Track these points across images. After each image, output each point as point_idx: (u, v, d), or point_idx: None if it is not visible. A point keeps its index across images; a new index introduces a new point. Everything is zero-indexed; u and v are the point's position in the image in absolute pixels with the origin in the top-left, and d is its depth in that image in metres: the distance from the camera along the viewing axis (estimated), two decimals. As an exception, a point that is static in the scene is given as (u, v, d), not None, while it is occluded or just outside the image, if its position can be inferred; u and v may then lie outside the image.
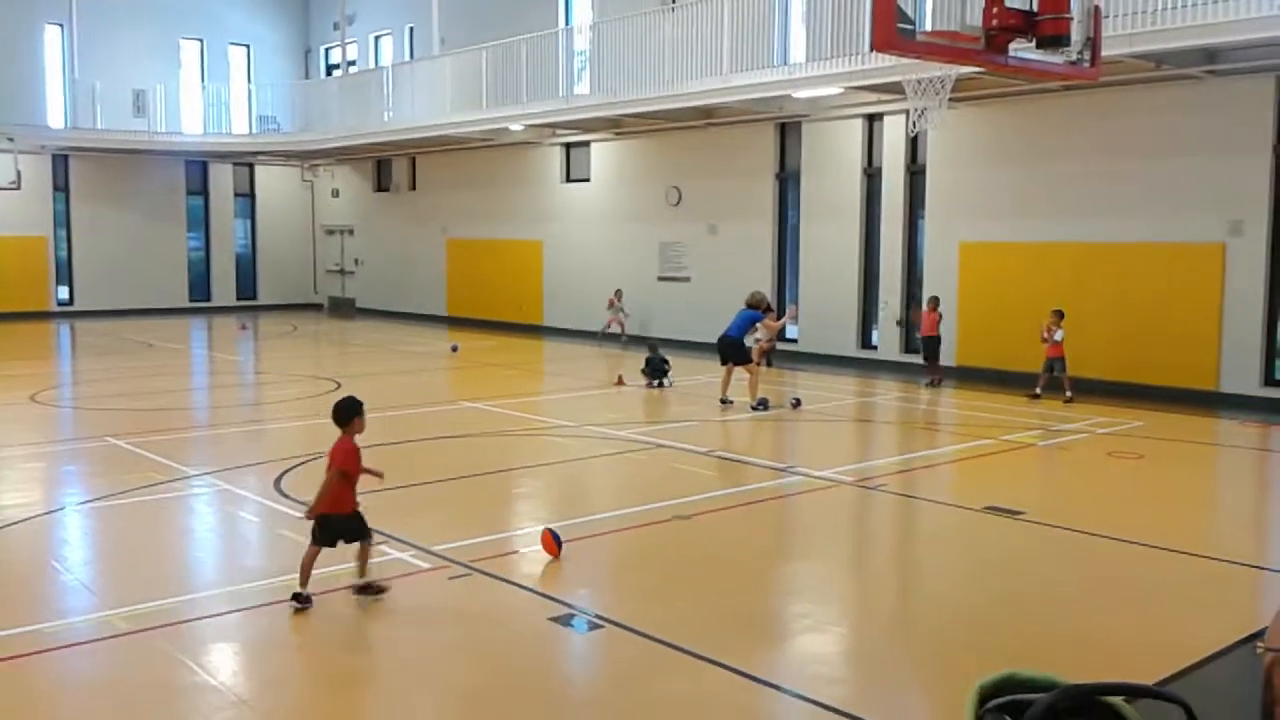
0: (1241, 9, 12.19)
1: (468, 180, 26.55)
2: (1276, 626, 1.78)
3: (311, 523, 6.43)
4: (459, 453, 11.28)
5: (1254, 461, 11.77)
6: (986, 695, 1.92)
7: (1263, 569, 7.58)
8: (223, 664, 5.68)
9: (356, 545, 6.42)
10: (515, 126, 22.20)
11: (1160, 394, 14.42)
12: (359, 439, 6.60)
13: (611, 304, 21.72)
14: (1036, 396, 14.57)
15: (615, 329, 21.53)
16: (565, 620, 6.13)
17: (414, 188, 28.77)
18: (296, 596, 6.20)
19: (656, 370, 15.87)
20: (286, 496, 8.97)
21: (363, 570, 6.40)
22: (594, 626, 6.12)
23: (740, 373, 14.10)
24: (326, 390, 15.59)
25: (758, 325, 14.90)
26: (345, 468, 6.34)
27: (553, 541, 7.25)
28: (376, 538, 6.76)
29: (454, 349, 20.86)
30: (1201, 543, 7.94)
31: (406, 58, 28.01)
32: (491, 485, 9.76)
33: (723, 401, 13.97)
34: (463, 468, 10.27)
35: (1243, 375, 14.19)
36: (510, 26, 22.38)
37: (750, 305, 14.54)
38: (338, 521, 6.31)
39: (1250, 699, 1.82)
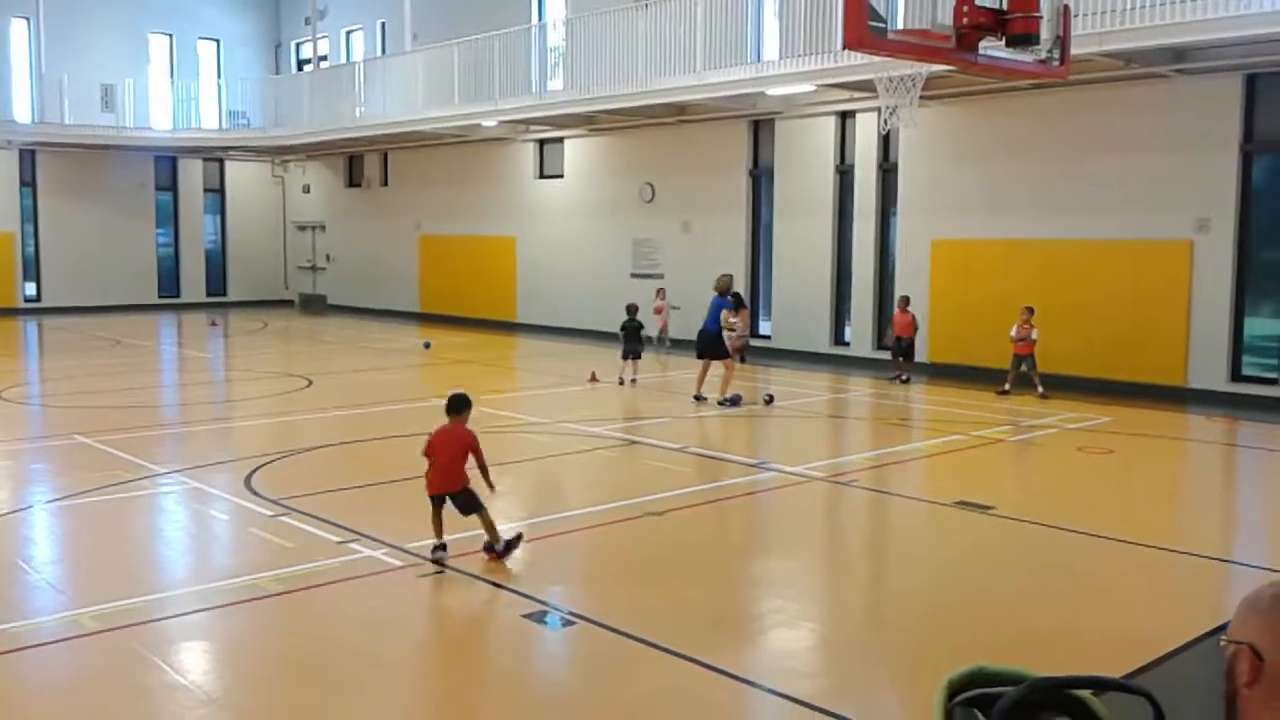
0: (1209, 9, 12.31)
1: (441, 176, 26.45)
2: (1238, 619, 1.79)
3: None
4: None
5: (1221, 456, 11.91)
6: (956, 689, 1.92)
7: (1229, 562, 7.67)
8: (192, 663, 5.63)
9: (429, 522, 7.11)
10: (488, 122, 22.13)
11: (1129, 390, 14.56)
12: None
13: (659, 309, 19.68)
14: (1005, 392, 14.68)
15: (662, 333, 19.62)
16: (538, 617, 6.13)
17: (386, 184, 28.63)
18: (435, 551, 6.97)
19: (630, 335, 15.73)
20: (256, 494, 8.90)
21: (491, 534, 7.08)
22: (567, 623, 6.12)
23: (716, 368, 14.11)
24: (297, 387, 15.51)
25: (728, 317, 14.81)
26: (475, 449, 7.18)
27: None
28: (346, 535, 6.74)
29: (427, 346, 20.77)
30: (1169, 537, 8.03)
31: (378, 53, 27.85)
32: (464, 482, 9.71)
33: (696, 398, 13.97)
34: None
35: (1210, 371, 14.35)
36: (483, 22, 22.30)
37: (719, 291, 14.51)
38: (453, 498, 7.08)
39: (1216, 691, 1.84)
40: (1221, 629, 1.83)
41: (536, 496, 9.54)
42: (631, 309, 16.31)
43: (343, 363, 19.01)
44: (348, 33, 29.67)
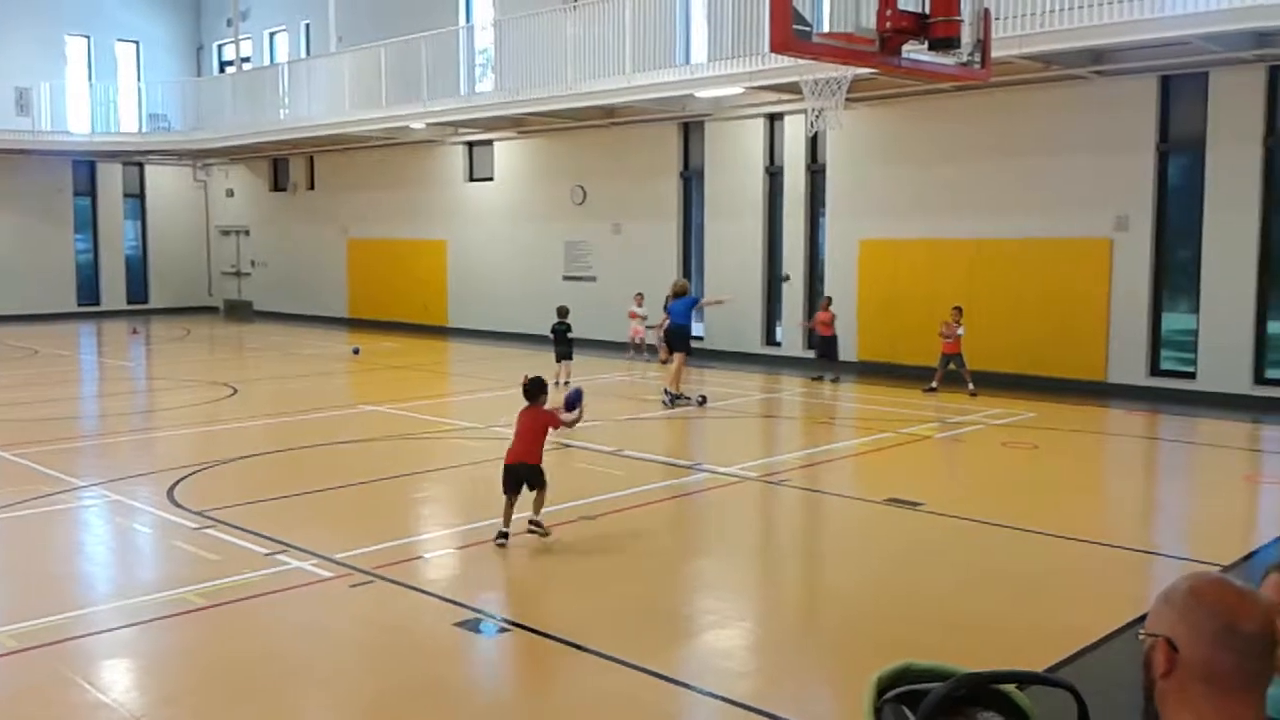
0: (1125, 12, 12.63)
1: (369, 179, 26.13)
2: (1155, 612, 1.83)
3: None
4: (360, 458, 11.08)
5: (1141, 449, 12.21)
6: (884, 686, 1.93)
7: (1150, 553, 7.86)
8: (115, 681, 5.49)
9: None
10: (416, 125, 21.91)
11: (1052, 385, 14.87)
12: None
13: (633, 315, 18.90)
14: (933, 390, 14.90)
15: (640, 340, 18.91)
16: (471, 625, 6.07)
17: (312, 187, 28.22)
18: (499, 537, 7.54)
19: (560, 339, 15.71)
20: (180, 506, 8.70)
21: (538, 510, 7.73)
22: (500, 630, 6.07)
23: (674, 360, 14.20)
24: (222, 396, 15.21)
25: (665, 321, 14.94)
26: (555, 424, 7.91)
27: None
28: (273, 547, 6.63)
29: (355, 351, 20.51)
30: (1093, 530, 8.20)
31: (303, 55, 27.44)
32: (394, 490, 9.60)
33: (678, 397, 14.04)
34: (364, 473, 10.10)
35: (1129, 366, 14.72)
36: (410, 23, 22.08)
37: (677, 294, 14.62)
38: (527, 469, 7.68)
39: (1138, 682, 1.88)
40: (1142, 620, 1.87)
41: (469, 503, 9.45)
42: (561, 311, 16.26)
43: (269, 370, 18.69)
44: (271, 34, 29.17)
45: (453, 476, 10.32)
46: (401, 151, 24.70)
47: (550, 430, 7.92)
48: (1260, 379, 13.87)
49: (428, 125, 21.89)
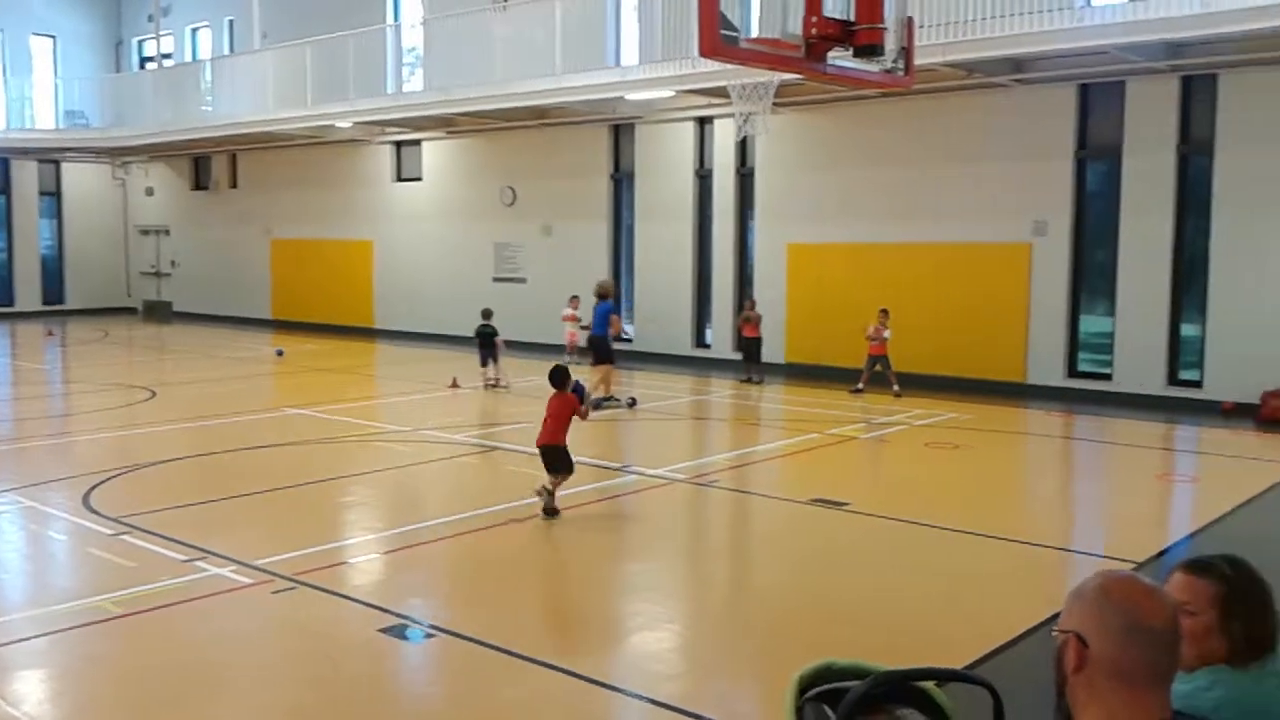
0: (1045, 22, 12.93)
1: (293, 179, 25.71)
2: (1066, 609, 1.87)
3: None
4: (283, 462, 10.89)
5: (1059, 449, 12.50)
6: (806, 685, 1.95)
7: (1068, 551, 8.05)
8: (28, 692, 5.32)
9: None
10: (343, 123, 21.62)
11: (974, 386, 15.15)
12: None
13: (572, 317, 18.01)
14: (859, 391, 15.10)
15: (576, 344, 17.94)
16: (396, 631, 5.99)
17: (235, 186, 27.69)
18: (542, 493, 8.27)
19: (485, 341, 15.60)
20: (96, 513, 8.47)
21: (553, 493, 8.31)
22: (426, 636, 6.00)
23: (596, 370, 14.15)
24: (140, 399, 14.85)
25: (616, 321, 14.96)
26: (578, 410, 8.69)
27: None
28: (192, 553, 6.49)
29: (279, 353, 20.16)
30: (1012, 528, 8.37)
31: (226, 51, 26.92)
32: (318, 495, 9.45)
33: (607, 399, 14.03)
34: (287, 477, 9.92)
35: (1048, 367, 15.06)
36: (336, 21, 21.77)
37: (600, 296, 14.57)
38: (557, 451, 8.39)
39: (1052, 678, 1.91)
40: (1058, 617, 1.91)
41: (395, 507, 9.36)
42: (485, 313, 16.16)
43: (189, 373, 18.29)
44: (193, 30, 28.57)
45: (379, 480, 10.19)
46: (327, 150, 24.36)
47: (575, 415, 8.73)
48: (1174, 380, 14.28)
49: (354, 124, 21.62)
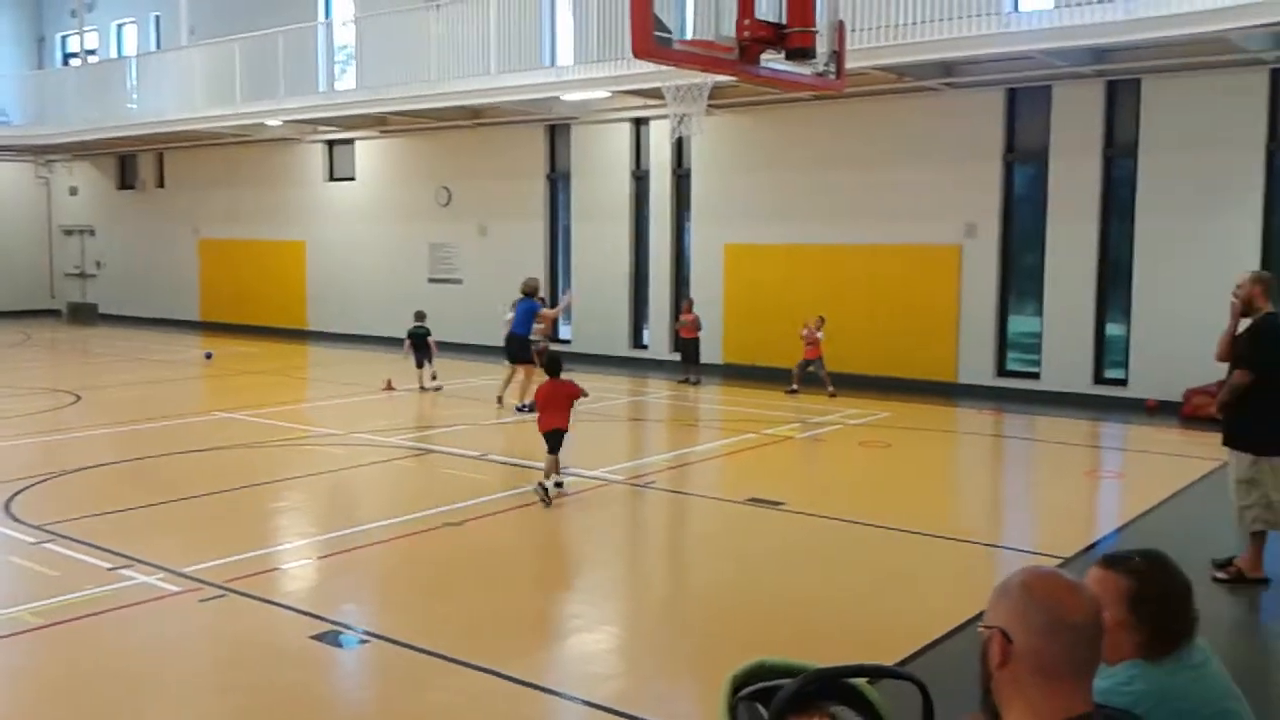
0: (973, 27, 13.15)
1: (222, 178, 25.25)
2: (991, 605, 1.90)
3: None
4: (213, 467, 10.67)
5: (989, 447, 12.72)
6: (739, 684, 1.96)
7: (998, 547, 8.19)
8: (-60, 709, 5.15)
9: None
10: (273, 122, 21.28)
11: (907, 386, 15.36)
12: None
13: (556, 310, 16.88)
14: (794, 391, 15.22)
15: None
16: (329, 638, 5.90)
17: (162, 185, 27.13)
18: (554, 485, 8.96)
19: (419, 344, 15.46)
20: (17, 520, 8.23)
21: (550, 473, 9.05)
22: (359, 642, 5.93)
23: (518, 372, 14.05)
24: (64, 404, 14.48)
25: (537, 316, 14.88)
26: (576, 394, 9.27)
27: None
28: (118, 561, 6.34)
29: (208, 356, 19.78)
30: (944, 525, 8.50)
31: (153, 48, 26.37)
32: (249, 500, 9.28)
33: (501, 400, 13.91)
34: (217, 483, 9.72)
35: (978, 367, 15.32)
36: (266, 17, 21.42)
37: (525, 293, 14.50)
38: (561, 435, 9.18)
39: (978, 674, 1.94)
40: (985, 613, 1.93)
41: (328, 512, 9.23)
42: (419, 315, 16.01)
43: (115, 376, 17.88)
44: (119, 26, 27.94)
45: (312, 485, 10.04)
46: (257, 149, 23.97)
47: (575, 400, 9.34)
48: (1100, 379, 14.61)
49: (284, 123, 21.30)
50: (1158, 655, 2.46)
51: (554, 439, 9.16)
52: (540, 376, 10.98)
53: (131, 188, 27.91)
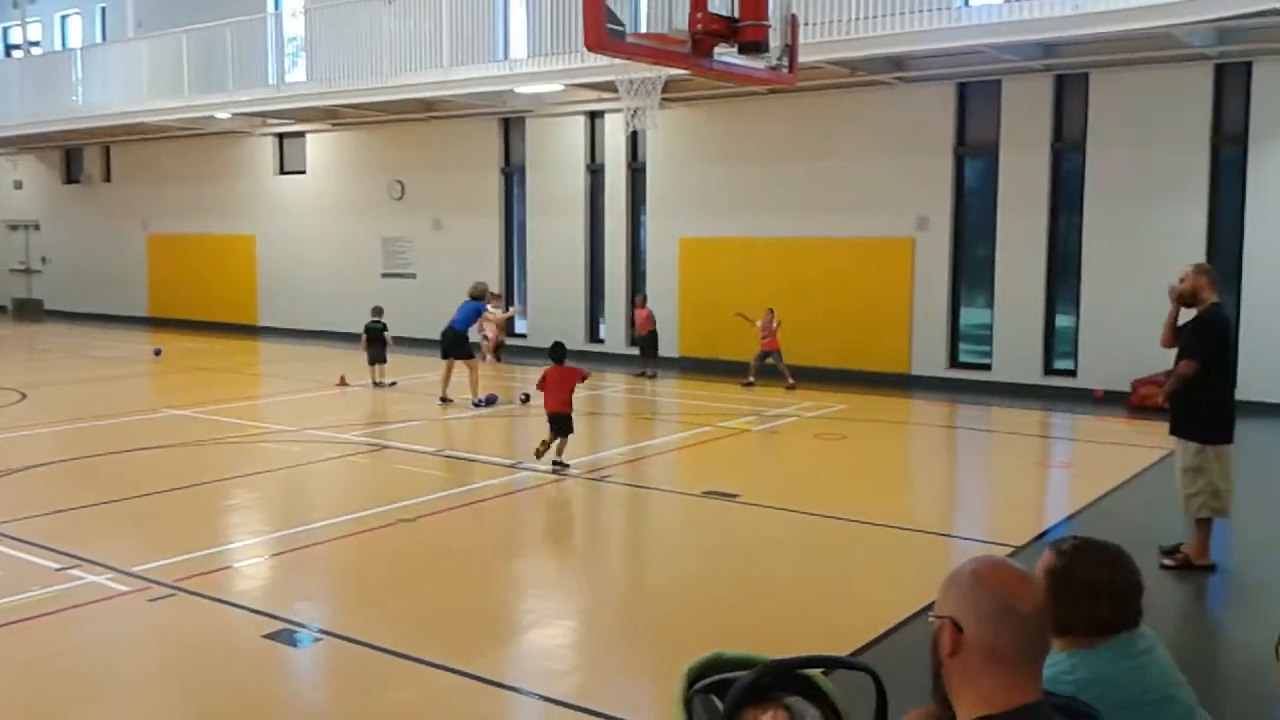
0: (924, 21, 13.26)
1: (171, 171, 24.87)
2: (942, 594, 1.92)
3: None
4: (162, 464, 10.51)
5: (942, 438, 12.85)
6: (695, 677, 1.96)
7: (951, 537, 8.27)
8: (-120, 715, 5.03)
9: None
10: (221, 114, 20.99)
11: (861, 378, 15.48)
12: None
13: (491, 317, 16.20)
14: (750, 384, 15.28)
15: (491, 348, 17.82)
16: (281, 636, 5.83)
17: (109, 179, 26.68)
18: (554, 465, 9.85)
19: (374, 339, 15.34)
20: (-40, 522, 8.06)
21: (560, 451, 9.99)
22: (312, 640, 5.87)
23: (460, 369, 13.94)
24: (9, 402, 14.20)
25: (484, 317, 14.85)
26: (581, 377, 10.32)
27: None
28: (66, 561, 6.22)
29: (157, 352, 19.48)
30: (897, 515, 8.58)
31: (98, 39, 25.89)
32: (200, 498, 9.15)
33: (442, 400, 13.77)
34: (167, 481, 9.58)
35: (930, 358, 15.47)
36: (214, 8, 21.09)
37: (473, 296, 14.42)
38: (565, 418, 9.97)
39: (929, 663, 1.95)
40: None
41: (281, 509, 9.13)
42: (376, 310, 15.88)
43: (62, 373, 17.56)
44: (63, 17, 27.44)
45: (264, 482, 9.92)
46: (206, 142, 23.63)
47: (579, 382, 10.29)
48: (1049, 370, 14.82)
49: (233, 115, 21.02)
50: (1080, 641, 2.52)
51: (560, 421, 9.96)
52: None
53: (77, 181, 27.41)
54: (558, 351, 10.31)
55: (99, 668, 5.53)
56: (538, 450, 9.95)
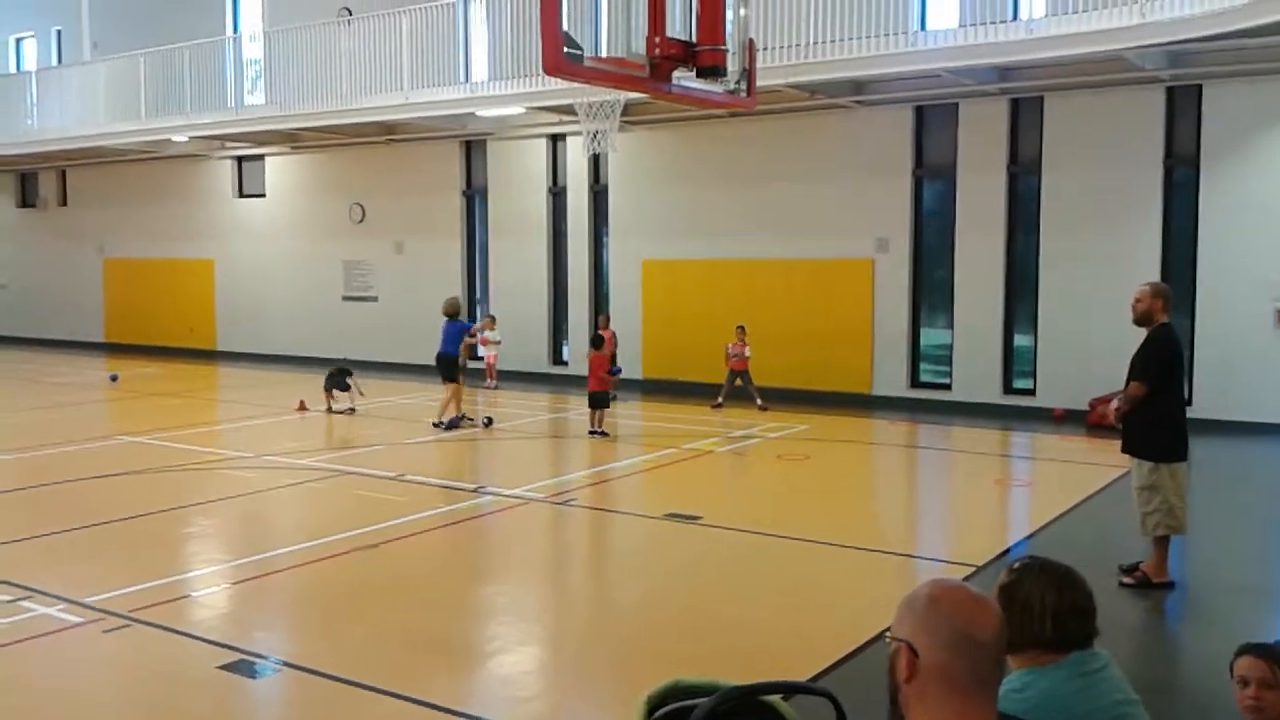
0: (882, 46, 13.42)
1: (128, 195, 24.60)
2: (899, 617, 1.92)
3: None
4: (119, 493, 10.34)
5: (903, 458, 12.92)
6: (655, 704, 1.95)
7: (912, 557, 8.30)
8: None
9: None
10: (179, 138, 20.82)
11: (824, 398, 15.55)
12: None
13: (484, 341, 17.33)
14: (719, 405, 15.30)
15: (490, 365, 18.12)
16: (239, 668, 5.74)
17: (65, 203, 26.35)
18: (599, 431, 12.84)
19: (338, 385, 15.25)
20: (-93, 553, 7.87)
21: (601, 421, 13.10)
22: (270, 671, 5.78)
23: (444, 389, 13.94)
24: (-40, 429, 13.92)
25: (472, 334, 14.83)
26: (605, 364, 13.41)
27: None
28: (16, 593, 6.09)
29: (113, 378, 19.21)
30: (859, 536, 8.60)
31: (54, 62, 25.62)
32: (156, 527, 9.01)
33: (461, 420, 13.81)
34: (123, 509, 9.43)
35: (892, 378, 15.57)
36: (172, 32, 20.97)
37: (448, 315, 14.36)
38: (601, 395, 13.16)
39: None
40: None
41: (239, 537, 9.00)
42: (343, 370, 15.73)
43: (15, 401, 17.27)
44: (17, 39, 27.13)
45: (222, 510, 9.78)
46: (164, 166, 23.42)
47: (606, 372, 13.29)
48: (1009, 389, 14.96)
49: (191, 139, 20.86)
50: (1033, 660, 2.55)
51: (597, 397, 13.04)
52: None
53: (33, 206, 27.05)
54: (597, 339, 13.83)
55: (51, 702, 5.41)
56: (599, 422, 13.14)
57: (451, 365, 13.93)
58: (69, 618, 6.45)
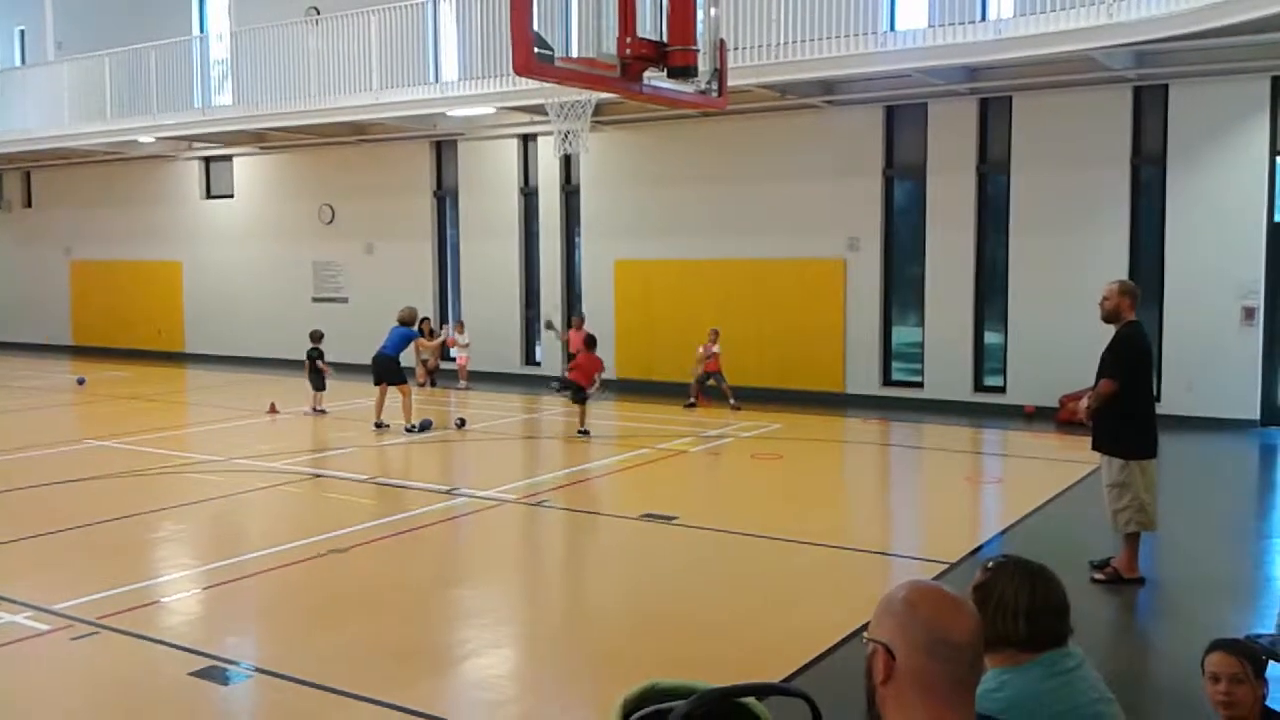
0: (852, 46, 13.47)
1: (94, 197, 24.33)
2: (876, 618, 1.91)
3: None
4: (86, 498, 10.21)
5: (875, 456, 12.98)
6: (630, 708, 1.94)
7: (886, 555, 8.33)
8: None
9: None
10: (145, 139, 20.60)
11: (798, 397, 15.59)
12: None
13: (451, 343, 17.82)
14: (692, 405, 15.31)
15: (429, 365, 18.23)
16: (210, 674, 5.67)
17: (30, 205, 26.03)
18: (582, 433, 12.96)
19: (313, 366, 15.15)
20: None
21: (583, 419, 13.29)
22: (242, 677, 5.72)
23: (394, 394, 13.79)
24: (-77, 435, 13.71)
25: (417, 345, 14.71)
26: (600, 369, 13.61)
27: None
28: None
29: (80, 382, 18.98)
30: (833, 534, 8.62)
31: (17, 62, 25.30)
32: (124, 532, 8.90)
33: (378, 425, 13.60)
34: (90, 514, 9.31)
35: (864, 377, 15.64)
36: (137, 32, 20.75)
37: (402, 322, 14.27)
38: (582, 389, 13.24)
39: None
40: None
41: (209, 541, 8.91)
42: (314, 336, 15.66)
43: (-20, 404, 17.03)
44: (-21, 39, 26.75)
45: (192, 514, 9.68)
46: (130, 167, 23.17)
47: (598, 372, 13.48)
48: (979, 386, 15.06)
49: (158, 139, 20.65)
50: (1007, 658, 2.55)
51: (581, 395, 13.33)
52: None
53: (-4, 208, 26.71)
54: (591, 342, 13.75)
55: (18, 711, 5.33)
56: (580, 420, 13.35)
57: (395, 367, 13.81)
58: (36, 625, 6.36)
